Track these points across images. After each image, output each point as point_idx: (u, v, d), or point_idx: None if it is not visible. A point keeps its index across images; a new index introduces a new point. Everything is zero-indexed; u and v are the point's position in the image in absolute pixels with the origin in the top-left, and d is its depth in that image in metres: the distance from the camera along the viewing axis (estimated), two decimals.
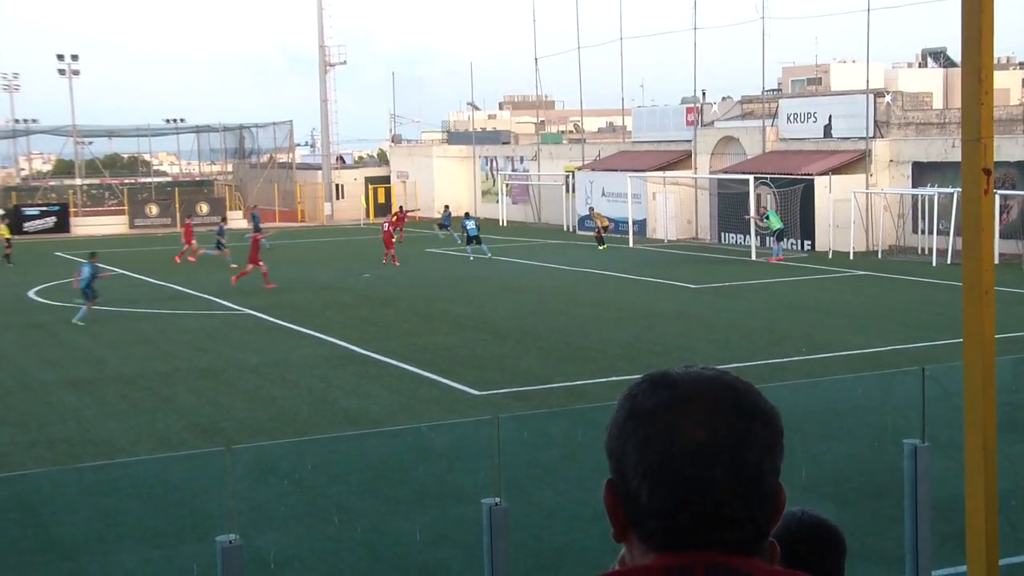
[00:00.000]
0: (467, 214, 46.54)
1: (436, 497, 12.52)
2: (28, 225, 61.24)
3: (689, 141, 51.08)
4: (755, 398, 1.76)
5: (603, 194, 53.18)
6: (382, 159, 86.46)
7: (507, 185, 64.60)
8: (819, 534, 3.34)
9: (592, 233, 46.61)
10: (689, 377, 1.77)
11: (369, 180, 73.32)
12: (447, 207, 53.97)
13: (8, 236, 46.63)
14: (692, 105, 52.86)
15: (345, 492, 12.74)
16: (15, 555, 11.08)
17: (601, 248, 43.68)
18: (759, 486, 1.72)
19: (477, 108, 78.55)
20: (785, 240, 40.44)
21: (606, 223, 46.18)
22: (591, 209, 48.45)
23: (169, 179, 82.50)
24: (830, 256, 39.45)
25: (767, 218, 40.51)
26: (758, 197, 42.56)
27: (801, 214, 41.32)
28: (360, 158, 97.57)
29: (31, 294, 33.70)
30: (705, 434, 1.70)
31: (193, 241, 44.15)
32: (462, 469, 12.86)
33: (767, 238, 42.33)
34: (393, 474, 13.15)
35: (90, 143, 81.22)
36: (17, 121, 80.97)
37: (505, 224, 61.86)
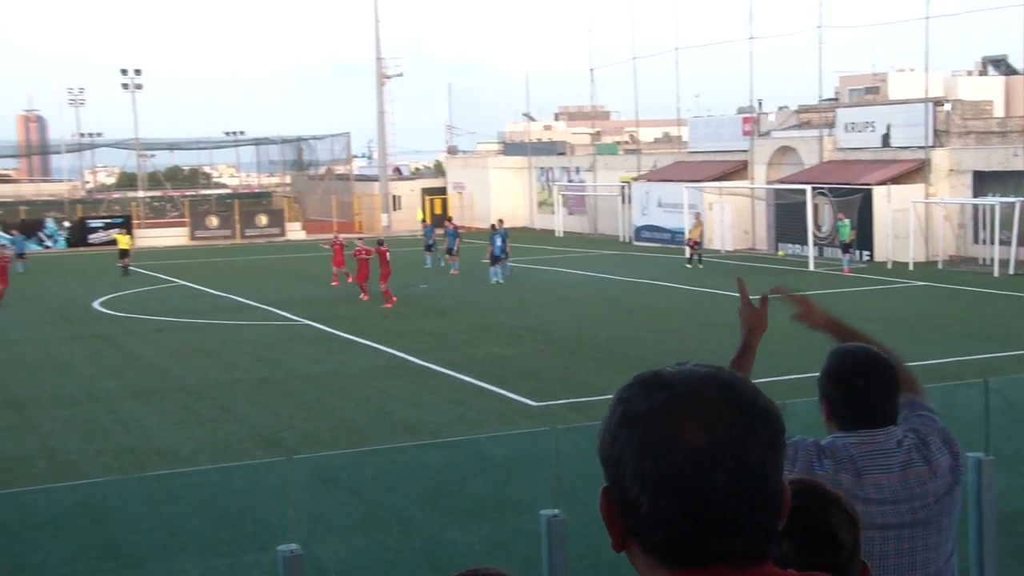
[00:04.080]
0: (495, 226, 40.35)
1: (494, 508, 12.57)
2: (92, 237, 62.17)
3: (746, 151, 50.86)
4: (754, 395, 1.67)
5: (659, 204, 53.11)
6: (438, 170, 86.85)
7: (563, 196, 64.65)
8: (875, 365, 3.59)
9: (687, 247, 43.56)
10: (683, 376, 1.67)
11: (426, 191, 73.69)
12: (422, 221, 52.45)
13: (127, 247, 46.69)
14: (748, 115, 52.66)
15: (403, 503, 12.81)
16: (83, 562, 11.28)
17: (688, 267, 41.22)
18: (763, 488, 1.63)
19: (533, 119, 78.68)
20: (850, 251, 39.72)
21: (697, 237, 43.46)
22: (696, 215, 45.20)
23: (229, 191, 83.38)
24: (889, 267, 39.09)
25: (841, 227, 39.81)
26: (815, 207, 42.28)
27: (860, 224, 40.95)
28: (416, 169, 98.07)
29: (96, 305, 34.22)
30: (705, 437, 1.60)
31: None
32: (520, 480, 12.90)
33: (824, 248, 42.07)
34: (451, 485, 13.21)
35: (152, 156, 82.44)
36: (83, 135, 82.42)
37: (561, 235, 61.91)
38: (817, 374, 3.65)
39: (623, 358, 22.50)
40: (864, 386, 3.52)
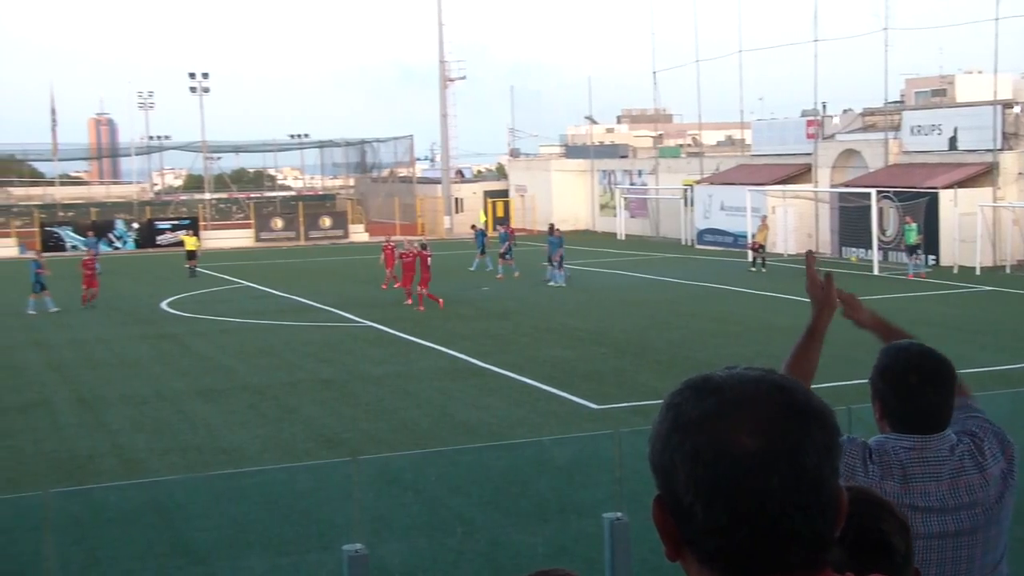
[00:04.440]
0: (551, 229, 41.22)
1: (556, 511, 12.61)
2: (160, 238, 63.05)
3: (809, 154, 50.48)
4: (807, 397, 1.62)
5: (722, 208, 52.87)
6: (500, 173, 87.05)
7: (625, 199, 64.56)
8: (930, 361, 3.48)
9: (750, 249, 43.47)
10: (734, 380, 1.63)
11: (488, 194, 73.91)
12: (473, 227, 52.59)
13: (194, 248, 47.13)
14: (813, 118, 52.27)
15: (465, 504, 12.90)
16: (152, 558, 11.48)
17: (752, 270, 41.02)
18: (819, 493, 1.58)
19: (595, 122, 78.63)
20: (916, 255, 39.18)
21: (762, 240, 43.05)
22: (763, 218, 44.85)
23: (293, 193, 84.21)
24: (955, 271, 38.61)
25: (907, 230, 39.32)
26: (880, 211, 41.87)
27: (925, 228, 40.49)
28: (479, 172, 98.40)
29: (164, 305, 34.72)
30: (758, 442, 1.56)
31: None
32: (582, 483, 12.94)
33: (889, 253, 41.64)
34: (513, 487, 13.27)
35: (219, 158, 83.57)
36: (151, 138, 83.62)
37: (623, 238, 61.82)
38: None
39: (685, 361, 22.46)
40: (918, 383, 3.41)
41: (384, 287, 37.29)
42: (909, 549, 2.55)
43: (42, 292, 33.56)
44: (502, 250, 41.98)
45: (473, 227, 51.09)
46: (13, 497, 13.50)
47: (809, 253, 4.01)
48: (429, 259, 32.79)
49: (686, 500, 1.59)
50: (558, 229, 40.92)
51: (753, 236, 43.84)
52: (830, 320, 3.75)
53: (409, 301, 32.71)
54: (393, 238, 43.32)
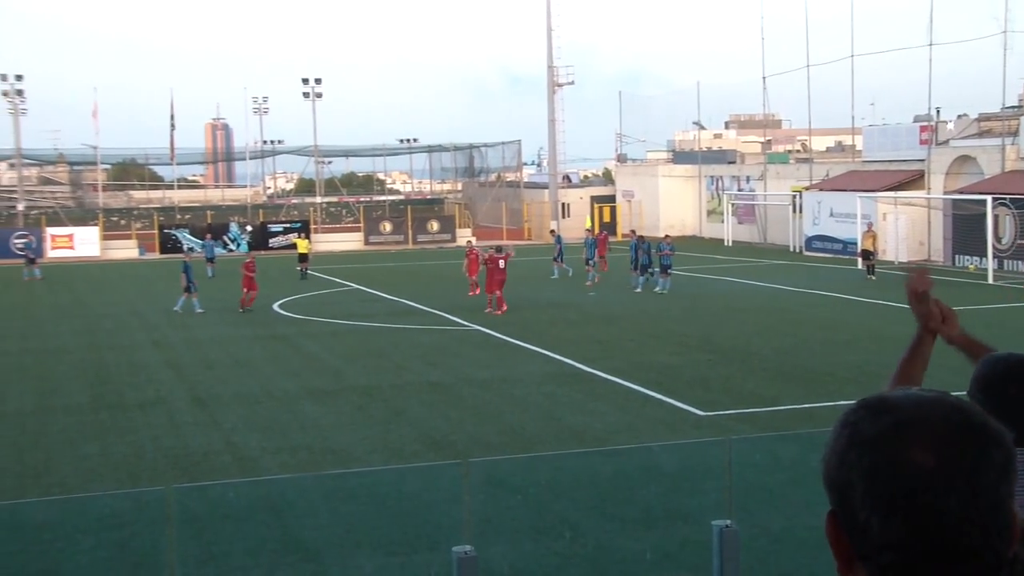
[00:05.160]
0: (643, 237, 41.10)
1: (663, 517, 12.61)
2: (272, 241, 64.23)
3: (922, 160, 49.57)
4: (983, 418, 1.66)
5: (831, 214, 52.17)
6: (607, 178, 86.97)
7: (732, 205, 64.06)
8: None
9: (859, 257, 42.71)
10: (910, 400, 1.67)
11: (595, 199, 73.88)
12: (552, 231, 51.96)
13: (306, 251, 47.82)
14: (926, 123, 51.28)
15: (571, 508, 12.96)
16: (265, 555, 11.75)
17: (871, 278, 40.11)
18: (996, 512, 1.60)
19: (703, 127, 78.12)
20: None
21: (867, 246, 42.20)
22: (869, 225, 44.28)
23: (401, 197, 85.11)
24: None
25: None
26: (996, 219, 40.94)
27: None
28: (586, 177, 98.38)
29: (276, 307, 35.40)
30: (935, 460, 1.59)
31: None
32: (689, 490, 12.93)
33: (1005, 261, 40.68)
34: (620, 493, 13.30)
35: (329, 163, 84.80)
36: (265, 142, 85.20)
37: (730, 244, 61.34)
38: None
39: (793, 369, 22.25)
40: (1017, 393, 3.31)
41: (471, 294, 37.09)
42: None
43: (192, 293, 34.40)
44: (586, 256, 41.62)
45: (552, 232, 50.99)
46: (135, 491, 13.94)
47: (919, 269, 3.91)
48: (502, 262, 32.86)
49: (862, 515, 1.63)
50: (631, 232, 40.75)
51: (860, 243, 43.17)
52: (934, 339, 3.71)
53: (489, 309, 32.77)
54: (476, 244, 43.23)
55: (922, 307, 3.77)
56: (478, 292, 35.83)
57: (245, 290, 34.94)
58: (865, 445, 1.63)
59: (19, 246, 59.35)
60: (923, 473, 1.59)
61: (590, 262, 41.17)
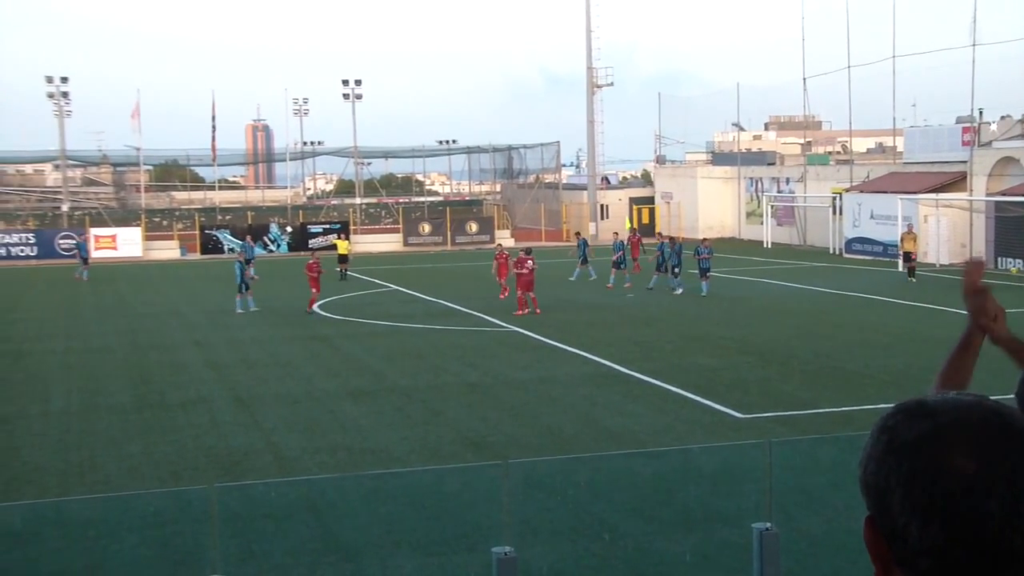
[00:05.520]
0: (674, 239, 40.70)
1: (702, 519, 12.60)
2: (312, 242, 64.53)
3: (964, 162, 49.16)
4: (1023, 422, 1.64)
5: (871, 216, 51.85)
6: (646, 180, 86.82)
7: (772, 207, 63.78)
8: None
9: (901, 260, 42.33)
10: (949, 404, 1.65)
11: (634, 200, 73.78)
12: (577, 233, 51.76)
13: (345, 252, 47.85)
14: (968, 124, 50.85)
15: (609, 510, 12.98)
16: (304, 554, 11.84)
17: (912, 280, 39.86)
18: None
19: (742, 129, 77.83)
20: None
21: (908, 247, 41.80)
22: (909, 226, 43.99)
23: (440, 198, 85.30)
24: None
25: None
26: None
27: None
28: (624, 178, 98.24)
29: (316, 307, 35.57)
30: (975, 465, 1.58)
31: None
32: (727, 492, 12.90)
33: None
34: (659, 494, 13.31)
35: (369, 164, 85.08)
36: (305, 143, 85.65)
37: (769, 246, 61.10)
38: None
39: (831, 372, 22.16)
40: None
41: (501, 297, 36.94)
42: None
43: (247, 292, 34.64)
44: (615, 258, 41.22)
45: (578, 234, 50.90)
46: (179, 490, 14.09)
47: (975, 261, 3.83)
48: (530, 263, 32.86)
49: (900, 520, 1.62)
50: (659, 235, 40.48)
51: (900, 245, 42.85)
52: (984, 336, 3.66)
53: (520, 311, 32.78)
54: (505, 246, 43.07)
55: (977, 300, 3.72)
56: (507, 294, 35.83)
57: (314, 291, 34.53)
58: (903, 450, 1.63)
59: (70, 247, 60.20)
60: (963, 478, 1.57)
61: (621, 265, 40.78)
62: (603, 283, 40.54)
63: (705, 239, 40.04)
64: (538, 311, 32.26)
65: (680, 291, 37.34)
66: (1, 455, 16.72)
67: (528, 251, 34.16)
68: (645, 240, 47.79)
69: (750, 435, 16.50)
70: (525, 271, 32.73)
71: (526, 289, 32.65)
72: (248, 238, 58.21)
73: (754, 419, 18.08)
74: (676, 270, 37.83)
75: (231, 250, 60.92)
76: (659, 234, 43.12)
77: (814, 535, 11.86)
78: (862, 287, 38.30)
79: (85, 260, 50.73)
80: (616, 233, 47.36)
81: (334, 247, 52.27)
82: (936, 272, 43.93)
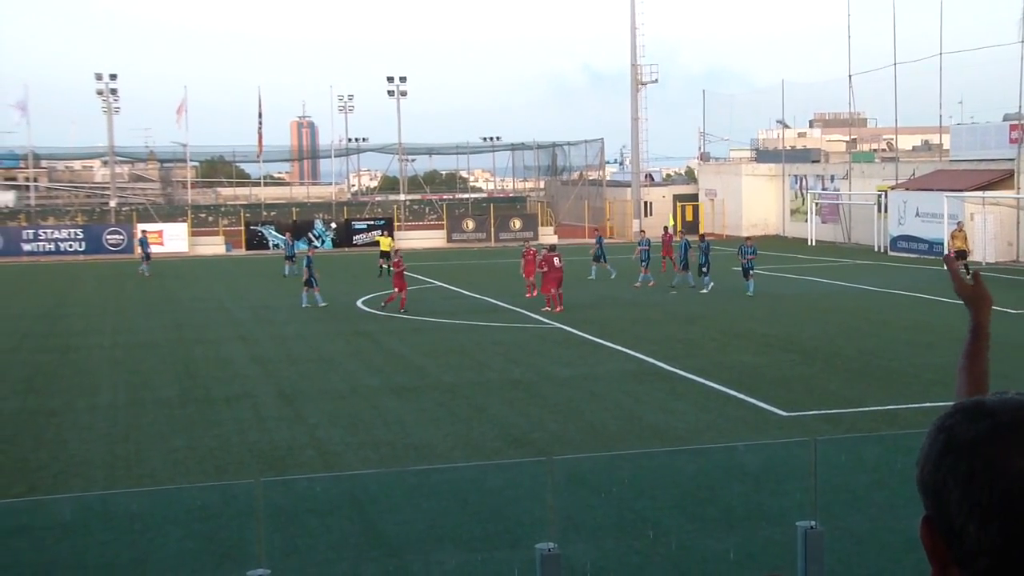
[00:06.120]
0: (704, 236, 41.31)
1: (744, 517, 12.55)
2: (356, 238, 64.83)
3: (1012, 160, 48.63)
4: None
5: (917, 214, 51.40)
6: (690, 177, 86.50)
7: (816, 204, 63.37)
8: None
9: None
10: (1008, 405, 1.64)
11: (677, 198, 73.53)
12: (596, 229, 51.36)
13: (388, 248, 47.34)
14: (1016, 122, 50.29)
15: (651, 507, 12.96)
16: (349, 549, 11.91)
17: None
18: None
19: (787, 126, 77.37)
20: None
21: (960, 246, 40.99)
22: (960, 225, 43.50)
23: (484, 195, 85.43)
24: None
25: None
26: None
27: None
28: (668, 176, 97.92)
29: (359, 303, 35.76)
30: None
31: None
32: (771, 490, 12.85)
33: None
34: (702, 492, 13.28)
35: (413, 160, 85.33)
36: (350, 140, 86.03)
37: (813, 244, 60.69)
38: None
39: (877, 370, 22.00)
40: None
41: (528, 296, 36.43)
42: None
43: (314, 288, 34.81)
44: (635, 255, 40.93)
45: (596, 230, 50.57)
46: (224, 484, 14.21)
47: (947, 257, 3.88)
48: (557, 260, 32.80)
49: (958, 521, 1.60)
50: (681, 234, 40.20)
51: (951, 244, 42.45)
52: (989, 315, 3.65)
53: (547, 308, 32.74)
54: (532, 244, 42.80)
55: (967, 289, 3.69)
56: (535, 294, 35.67)
57: (397, 290, 33.57)
58: (961, 450, 1.61)
59: (118, 242, 61.07)
60: (1021, 479, 1.56)
61: (644, 263, 40.17)
62: (631, 281, 40.25)
63: (749, 238, 39.78)
64: (559, 308, 32.17)
65: (705, 290, 37.04)
66: (50, 448, 16.92)
67: (552, 248, 34.11)
68: (689, 237, 47.37)
69: (793, 433, 16.42)
70: (548, 268, 32.72)
71: (555, 286, 32.63)
72: (287, 234, 58.63)
73: (798, 417, 17.99)
74: (704, 268, 37.67)
75: (276, 246, 61.28)
76: (680, 233, 42.56)
77: (859, 534, 11.78)
78: (907, 285, 37.99)
79: (147, 256, 51.10)
80: (643, 231, 46.89)
81: (377, 243, 52.40)
82: (983, 271, 43.40)
